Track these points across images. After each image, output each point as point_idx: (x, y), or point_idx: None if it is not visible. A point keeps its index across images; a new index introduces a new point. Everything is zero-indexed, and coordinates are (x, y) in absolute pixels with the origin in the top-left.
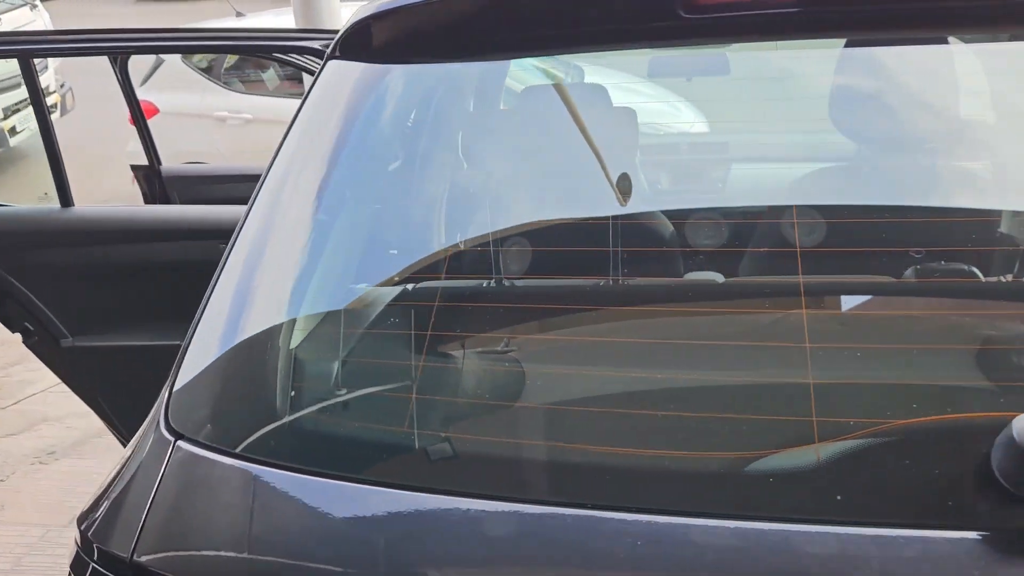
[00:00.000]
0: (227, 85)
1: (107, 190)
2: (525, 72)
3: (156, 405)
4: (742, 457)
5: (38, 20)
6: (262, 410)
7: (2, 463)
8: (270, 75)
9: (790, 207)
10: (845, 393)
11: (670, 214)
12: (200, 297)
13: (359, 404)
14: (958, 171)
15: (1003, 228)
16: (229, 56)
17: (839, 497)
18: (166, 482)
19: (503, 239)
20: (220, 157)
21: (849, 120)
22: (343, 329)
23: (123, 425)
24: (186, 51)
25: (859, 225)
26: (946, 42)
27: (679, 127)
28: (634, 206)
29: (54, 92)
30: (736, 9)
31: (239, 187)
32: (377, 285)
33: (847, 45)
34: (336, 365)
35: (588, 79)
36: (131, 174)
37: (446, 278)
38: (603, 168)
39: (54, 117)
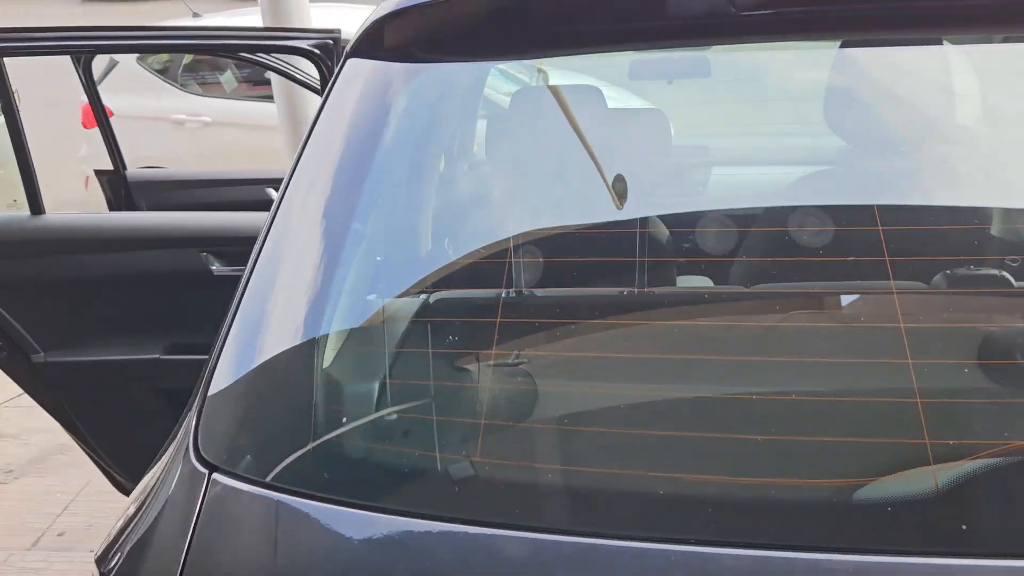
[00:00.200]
0: (184, 87)
1: (56, 196)
2: (559, 70)
3: (179, 433)
4: (849, 484)
5: None
6: (308, 439)
7: None
8: (227, 77)
9: (867, 211)
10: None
11: (717, 222)
12: (182, 309)
13: (418, 429)
14: None
15: None
16: (186, 57)
17: (964, 527)
18: (204, 520)
19: (551, 246)
20: (179, 161)
21: (845, 122)
22: (386, 347)
23: (100, 446)
24: (164, 50)
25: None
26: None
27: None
28: (679, 213)
29: None
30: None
31: (210, 192)
32: (412, 295)
33: (843, 46)
34: (379, 386)
35: (578, 81)
36: (82, 179)
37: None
38: (636, 174)
39: None
